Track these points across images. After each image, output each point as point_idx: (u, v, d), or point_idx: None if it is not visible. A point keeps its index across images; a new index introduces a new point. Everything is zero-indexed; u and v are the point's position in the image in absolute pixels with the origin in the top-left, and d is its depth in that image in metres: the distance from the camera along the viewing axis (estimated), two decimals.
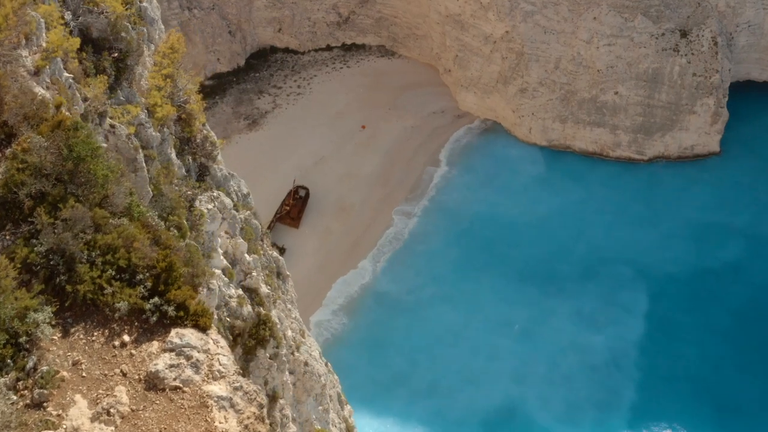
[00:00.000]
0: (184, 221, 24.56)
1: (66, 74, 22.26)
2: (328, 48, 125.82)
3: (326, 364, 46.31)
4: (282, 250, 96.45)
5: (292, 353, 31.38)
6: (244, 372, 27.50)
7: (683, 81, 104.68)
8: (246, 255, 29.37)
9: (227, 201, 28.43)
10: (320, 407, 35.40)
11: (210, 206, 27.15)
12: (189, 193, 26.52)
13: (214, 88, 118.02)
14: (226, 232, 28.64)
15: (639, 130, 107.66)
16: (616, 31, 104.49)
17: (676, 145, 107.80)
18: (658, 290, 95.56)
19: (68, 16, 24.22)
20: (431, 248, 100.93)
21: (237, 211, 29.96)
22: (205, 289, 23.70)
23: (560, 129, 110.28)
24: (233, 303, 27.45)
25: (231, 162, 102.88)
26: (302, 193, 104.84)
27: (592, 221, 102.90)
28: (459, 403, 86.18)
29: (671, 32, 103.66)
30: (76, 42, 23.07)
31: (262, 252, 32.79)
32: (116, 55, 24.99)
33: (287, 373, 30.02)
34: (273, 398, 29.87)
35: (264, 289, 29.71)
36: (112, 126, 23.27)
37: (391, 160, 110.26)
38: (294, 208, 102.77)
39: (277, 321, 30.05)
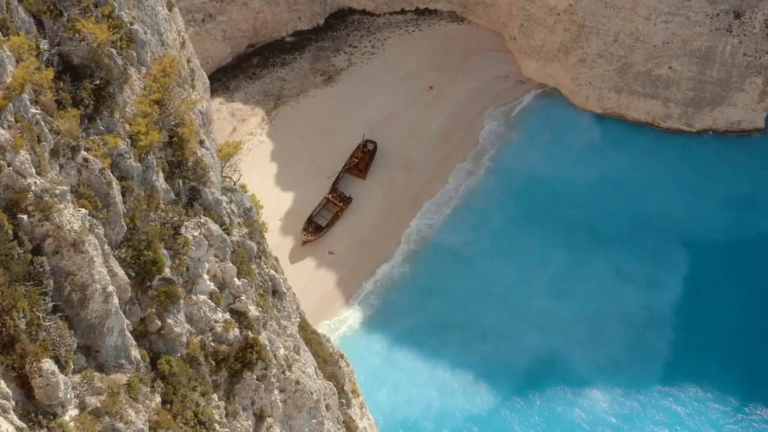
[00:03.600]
0: (161, 254, 24.02)
1: (33, 110, 21.55)
2: (402, 11, 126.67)
3: (342, 356, 47.04)
4: (349, 199, 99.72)
5: (283, 372, 30.53)
6: (229, 394, 27.55)
7: (734, 60, 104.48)
8: (235, 279, 28.35)
9: (214, 228, 27.45)
10: (314, 420, 34.18)
11: (196, 233, 26.41)
12: (176, 219, 25.80)
13: (295, 45, 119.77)
14: (216, 256, 27.83)
15: (689, 103, 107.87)
16: (673, 9, 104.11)
17: (723, 119, 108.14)
18: (698, 256, 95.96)
19: (44, 45, 23.32)
20: (487, 205, 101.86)
21: (229, 234, 28.92)
22: None
23: (615, 98, 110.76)
24: (219, 328, 26.89)
25: (306, 115, 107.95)
26: (370, 147, 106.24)
27: (640, 187, 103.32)
28: (505, 351, 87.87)
29: (725, 13, 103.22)
30: (50, 73, 22.25)
31: (258, 271, 31.71)
32: (97, 83, 24.00)
33: (276, 392, 29.42)
34: (260, 417, 29.21)
35: (253, 312, 28.78)
36: (86, 160, 22.53)
37: (455, 120, 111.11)
38: (362, 160, 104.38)
39: (267, 343, 29.16)
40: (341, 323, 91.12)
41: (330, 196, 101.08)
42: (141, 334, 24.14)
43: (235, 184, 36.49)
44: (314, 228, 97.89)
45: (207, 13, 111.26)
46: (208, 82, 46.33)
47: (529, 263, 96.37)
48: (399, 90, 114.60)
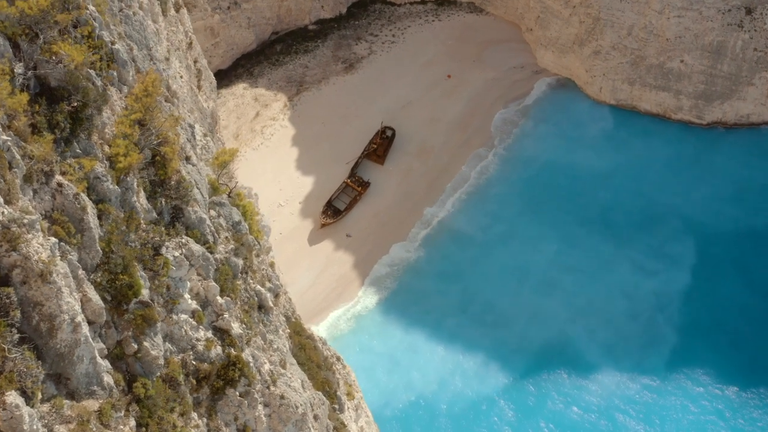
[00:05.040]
0: (138, 278, 23.19)
1: (4, 137, 20.59)
2: (422, 1, 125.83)
3: (338, 359, 45.84)
4: (367, 184, 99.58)
5: (268, 387, 29.40)
6: (211, 411, 26.57)
7: (744, 55, 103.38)
8: (218, 297, 27.37)
9: (196, 248, 26.42)
10: None
11: (177, 253, 25.53)
12: (156, 239, 24.89)
13: (317, 33, 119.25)
14: (199, 274, 26.80)
15: (700, 96, 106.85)
16: (686, 4, 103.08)
17: (733, 113, 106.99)
18: (706, 245, 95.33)
19: (19, 68, 22.30)
20: (502, 191, 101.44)
21: (212, 252, 27.84)
22: None
23: (628, 90, 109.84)
24: (200, 346, 26.03)
25: (327, 101, 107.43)
26: (389, 133, 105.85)
27: (650, 177, 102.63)
28: (516, 334, 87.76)
29: (737, 9, 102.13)
30: (24, 98, 21.38)
31: (244, 287, 30.72)
32: (75, 104, 22.96)
33: (261, 407, 28.45)
34: None
35: (236, 330, 27.84)
36: (60, 185, 21.64)
37: (472, 108, 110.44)
38: (380, 146, 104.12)
39: (251, 359, 28.28)
40: (357, 303, 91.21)
41: (349, 180, 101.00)
42: (118, 357, 23.33)
43: (230, 192, 35.18)
44: (333, 211, 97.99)
45: (232, 1, 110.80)
46: (215, 82, 45.33)
47: (541, 249, 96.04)
48: (418, 78, 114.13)
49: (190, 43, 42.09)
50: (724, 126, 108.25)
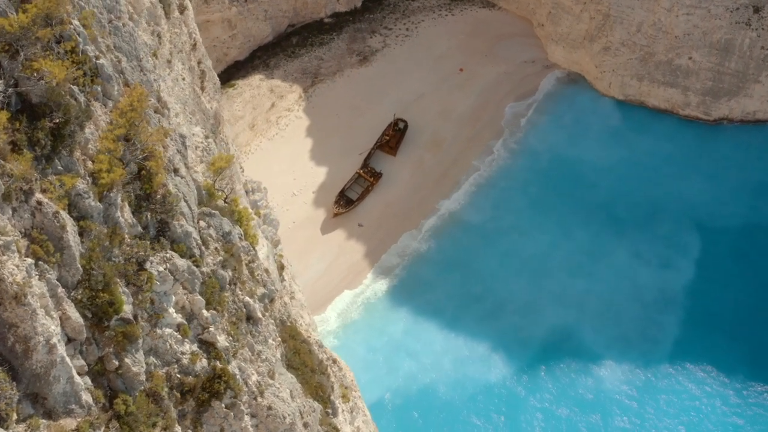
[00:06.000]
0: (119, 295, 22.50)
1: None
2: None
3: (335, 361, 44.64)
4: (379, 174, 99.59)
5: (255, 399, 28.68)
6: (196, 423, 26.03)
7: (752, 53, 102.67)
8: (204, 311, 26.64)
9: (180, 262, 25.59)
10: None
11: (161, 268, 24.74)
12: (141, 254, 24.08)
13: (333, 26, 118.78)
14: (185, 287, 26.10)
15: (707, 93, 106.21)
16: (695, 2, 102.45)
17: (739, 109, 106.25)
18: (710, 240, 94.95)
19: (0, 86, 21.47)
20: (511, 183, 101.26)
21: (199, 266, 27.06)
22: None
23: (637, 86, 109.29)
24: (185, 360, 25.31)
25: (341, 93, 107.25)
26: (401, 125, 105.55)
27: (657, 172, 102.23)
28: (521, 324, 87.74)
29: (745, 7, 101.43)
30: (3, 116, 20.69)
31: (232, 299, 29.90)
32: (56, 121, 22.07)
33: (247, 418, 27.80)
34: None
35: (222, 343, 27.07)
36: (39, 203, 20.91)
37: (483, 101, 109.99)
38: (393, 138, 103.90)
39: (237, 371, 27.56)
40: (367, 289, 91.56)
41: (361, 171, 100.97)
42: (99, 373, 22.80)
43: (226, 198, 34.47)
44: (345, 201, 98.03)
45: None
46: (218, 82, 44.59)
47: (548, 241, 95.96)
48: (431, 71, 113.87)
49: (194, 45, 41.23)
50: (731, 122, 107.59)
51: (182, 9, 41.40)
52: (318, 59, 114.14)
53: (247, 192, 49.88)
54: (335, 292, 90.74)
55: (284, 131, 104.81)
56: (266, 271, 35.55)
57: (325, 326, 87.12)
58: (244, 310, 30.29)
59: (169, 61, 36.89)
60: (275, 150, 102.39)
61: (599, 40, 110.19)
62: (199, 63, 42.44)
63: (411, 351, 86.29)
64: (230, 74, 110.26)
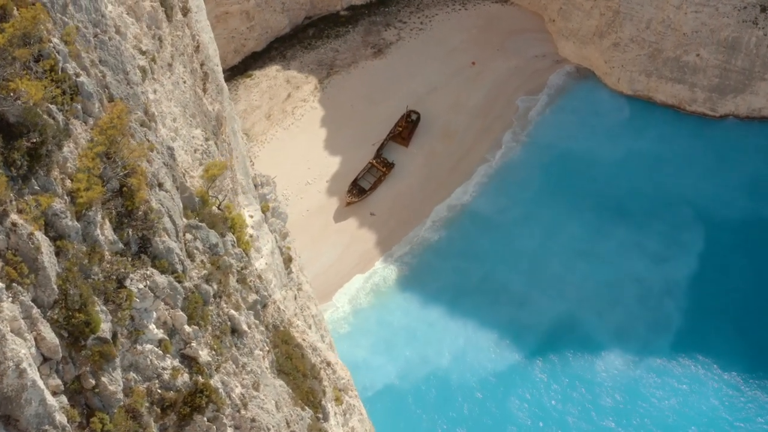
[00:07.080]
0: (95, 314, 21.59)
1: None
2: None
3: (329, 364, 43.52)
4: (392, 165, 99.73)
5: (239, 411, 27.85)
6: None
7: (758, 51, 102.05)
8: (186, 326, 25.82)
9: (161, 279, 24.78)
10: None
11: (141, 285, 23.89)
12: (121, 271, 23.22)
13: (349, 19, 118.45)
14: (167, 303, 25.33)
15: (714, 89, 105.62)
16: (703, 0, 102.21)
17: (745, 106, 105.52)
18: (715, 234, 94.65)
19: None
20: (521, 176, 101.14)
21: (181, 282, 26.20)
22: None
23: (645, 82, 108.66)
24: (166, 375, 24.47)
25: (356, 84, 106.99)
26: (414, 117, 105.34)
27: (663, 166, 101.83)
28: (528, 313, 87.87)
29: (752, 6, 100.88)
30: None
31: (216, 312, 29.14)
32: (33, 141, 21.02)
33: (230, 430, 26.86)
34: None
35: (204, 358, 26.31)
36: (14, 224, 19.96)
37: (495, 95, 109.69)
38: (405, 129, 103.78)
39: (220, 385, 26.80)
40: (377, 275, 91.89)
41: (374, 161, 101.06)
42: (76, 391, 22.08)
43: (220, 205, 33.60)
44: (358, 190, 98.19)
45: None
46: (224, 85, 43.75)
47: (556, 232, 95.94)
48: (443, 64, 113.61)
49: (197, 47, 40.26)
50: (737, 118, 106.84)
51: (185, 11, 40.41)
52: (333, 51, 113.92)
53: (256, 186, 49.30)
54: (346, 278, 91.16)
55: (300, 121, 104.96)
56: (259, 277, 34.76)
57: (336, 312, 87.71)
58: (229, 323, 29.53)
59: (170, 65, 36.17)
60: (291, 139, 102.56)
61: (609, 36, 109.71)
62: (202, 65, 41.59)
63: (423, 337, 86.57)
64: (248, 65, 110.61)
